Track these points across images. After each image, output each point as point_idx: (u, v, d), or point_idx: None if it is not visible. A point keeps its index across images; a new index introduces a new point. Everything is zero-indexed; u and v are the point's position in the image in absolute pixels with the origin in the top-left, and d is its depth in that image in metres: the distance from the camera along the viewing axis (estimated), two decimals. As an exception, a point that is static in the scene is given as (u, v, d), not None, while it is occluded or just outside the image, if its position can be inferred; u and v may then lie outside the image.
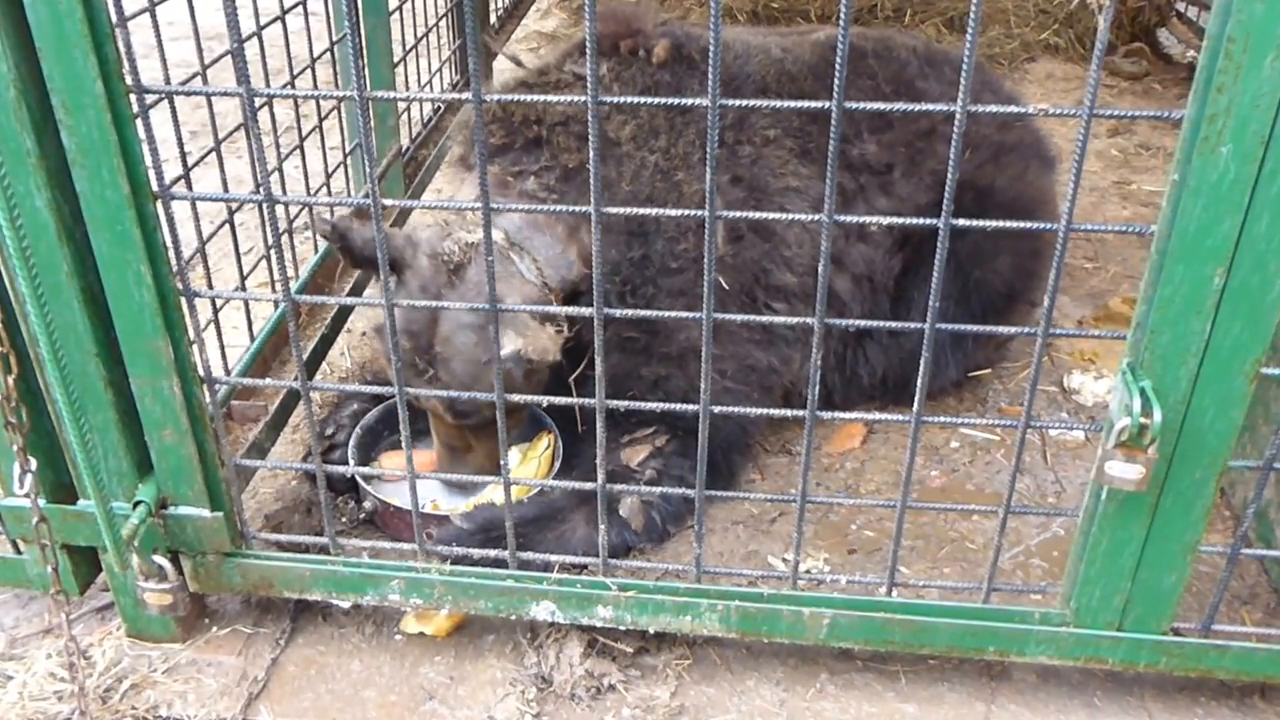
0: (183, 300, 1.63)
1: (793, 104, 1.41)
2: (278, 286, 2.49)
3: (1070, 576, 1.71)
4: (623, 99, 1.44)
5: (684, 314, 1.56)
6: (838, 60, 1.29)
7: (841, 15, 1.26)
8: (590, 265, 2.18)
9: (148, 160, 1.50)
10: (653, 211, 1.69)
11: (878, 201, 2.47)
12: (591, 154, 1.39)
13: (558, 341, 2.04)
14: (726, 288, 2.24)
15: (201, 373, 1.70)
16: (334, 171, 2.77)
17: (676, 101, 1.42)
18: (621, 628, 1.86)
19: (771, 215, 1.51)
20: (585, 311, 1.54)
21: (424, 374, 2.10)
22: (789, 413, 1.67)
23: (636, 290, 2.20)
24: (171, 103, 1.91)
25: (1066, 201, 1.38)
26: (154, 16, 1.89)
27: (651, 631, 1.88)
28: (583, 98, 1.37)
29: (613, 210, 1.47)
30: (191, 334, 1.68)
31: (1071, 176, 1.36)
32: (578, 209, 1.49)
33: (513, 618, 1.88)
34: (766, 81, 2.41)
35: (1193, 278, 1.39)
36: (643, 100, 1.54)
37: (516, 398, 1.85)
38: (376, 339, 2.24)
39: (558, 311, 1.91)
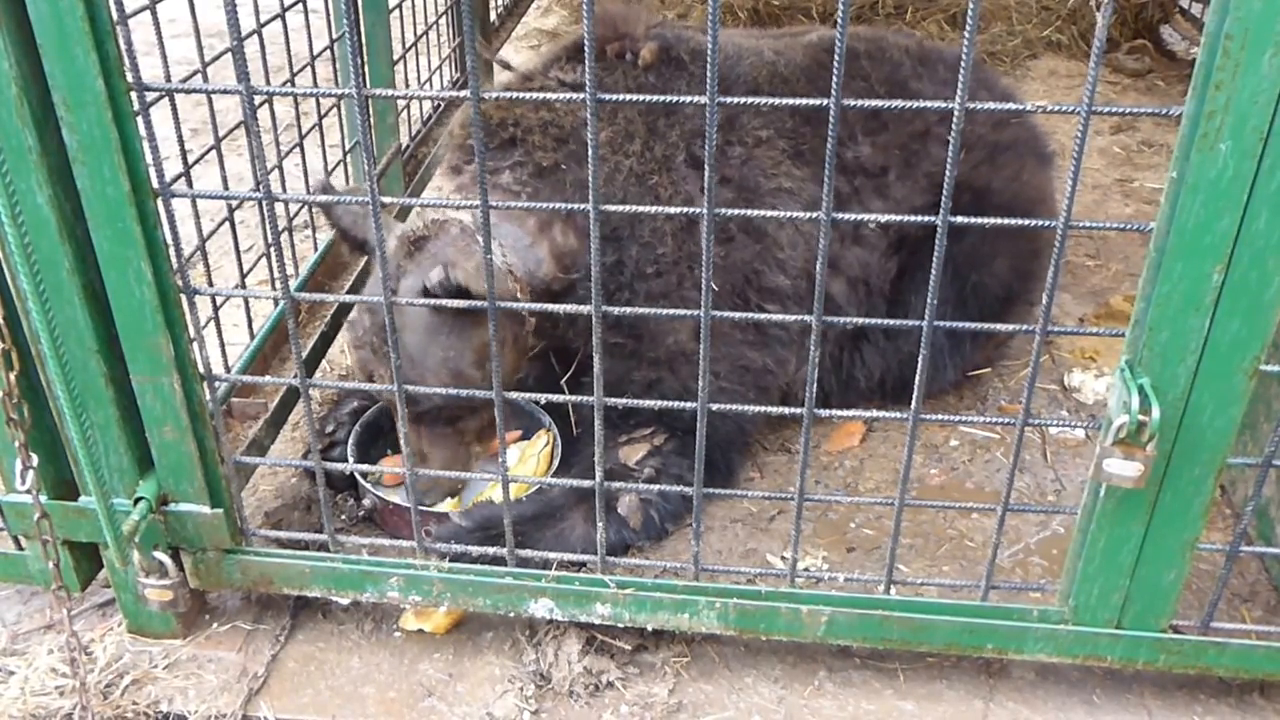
0: (183, 297, 1.64)
1: (790, 101, 1.42)
2: (278, 284, 2.49)
3: (1069, 574, 1.71)
4: (614, 97, 1.44)
5: (681, 312, 1.56)
6: (835, 56, 1.29)
7: (840, 13, 1.26)
8: (562, 265, 2.19)
9: (148, 158, 1.51)
10: (649, 210, 1.69)
11: (873, 204, 2.47)
12: (590, 152, 1.39)
13: (477, 279, 1.92)
14: (717, 289, 2.23)
15: (201, 370, 1.71)
16: (334, 169, 2.77)
17: (675, 99, 1.42)
18: (620, 625, 1.86)
19: (768, 214, 1.51)
20: (584, 310, 1.54)
21: (379, 350, 2.12)
22: (787, 410, 1.67)
23: (612, 296, 2.20)
24: (172, 100, 1.91)
25: (1066, 199, 1.38)
26: (154, 14, 1.89)
27: (650, 629, 1.88)
28: (580, 95, 1.37)
29: (610, 208, 1.47)
30: (192, 331, 1.69)
31: (1070, 174, 1.36)
32: (575, 206, 1.49)
33: (511, 615, 1.89)
34: (758, 83, 2.41)
35: (1191, 274, 1.39)
36: (640, 98, 1.54)
37: (515, 395, 1.86)
38: (349, 330, 2.26)
39: (556, 309, 1.91)
